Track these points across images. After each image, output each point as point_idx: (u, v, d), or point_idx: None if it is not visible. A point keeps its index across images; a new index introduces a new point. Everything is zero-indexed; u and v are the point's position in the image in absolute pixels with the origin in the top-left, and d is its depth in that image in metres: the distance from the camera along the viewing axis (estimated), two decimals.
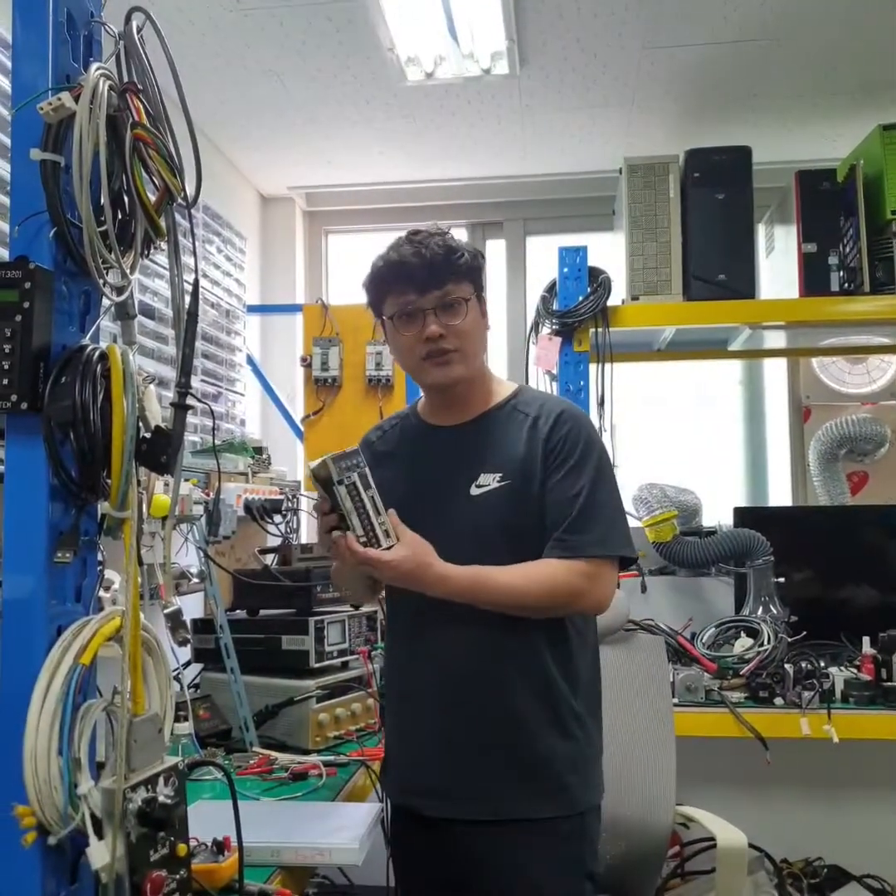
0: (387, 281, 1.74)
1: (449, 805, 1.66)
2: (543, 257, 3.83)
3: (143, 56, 1.10)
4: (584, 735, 1.69)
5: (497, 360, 4.02)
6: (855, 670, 2.66)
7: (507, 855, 1.62)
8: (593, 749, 1.73)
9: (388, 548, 1.58)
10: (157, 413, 1.17)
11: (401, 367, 1.88)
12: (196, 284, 1.13)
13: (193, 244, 1.21)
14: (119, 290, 1.10)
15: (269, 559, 2.79)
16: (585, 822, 1.68)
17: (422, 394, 1.90)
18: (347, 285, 4.19)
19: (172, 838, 1.04)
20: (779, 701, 2.57)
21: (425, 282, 1.70)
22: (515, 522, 1.68)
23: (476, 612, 1.63)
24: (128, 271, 1.10)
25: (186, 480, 2.27)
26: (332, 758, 2.09)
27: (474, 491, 1.71)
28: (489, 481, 1.71)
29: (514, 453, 1.72)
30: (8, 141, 1.11)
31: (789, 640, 2.75)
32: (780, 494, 3.79)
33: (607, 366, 2.86)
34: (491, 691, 1.65)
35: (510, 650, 1.65)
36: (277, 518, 2.87)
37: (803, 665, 2.65)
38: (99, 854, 0.98)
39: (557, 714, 1.66)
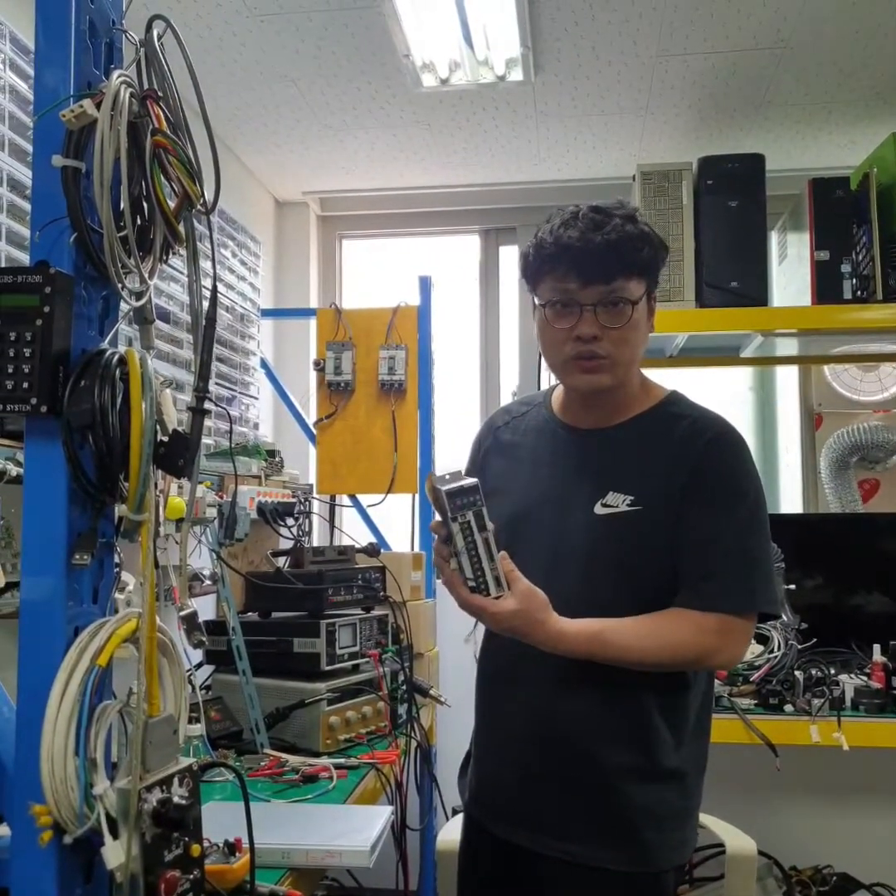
0: (548, 260, 1.52)
1: (517, 831, 1.58)
2: None
3: (164, 63, 1.11)
4: (679, 789, 1.54)
5: (509, 365, 4.03)
6: (865, 678, 2.66)
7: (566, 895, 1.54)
8: (688, 803, 1.57)
9: (498, 597, 1.43)
10: (174, 417, 1.18)
11: (544, 358, 1.64)
12: (214, 290, 1.14)
13: (212, 250, 1.22)
14: (138, 295, 1.11)
15: (282, 562, 2.81)
16: (661, 882, 1.52)
17: (555, 378, 1.68)
18: (361, 290, 4.21)
19: (186, 839, 1.05)
20: (789, 708, 2.56)
21: (591, 273, 1.48)
22: (637, 556, 1.50)
23: None
24: (147, 276, 1.11)
25: (200, 483, 2.29)
26: (342, 760, 2.10)
27: (599, 510, 1.53)
28: (618, 503, 1.51)
29: (653, 473, 1.52)
30: (30, 147, 1.13)
31: (799, 647, 2.74)
32: (791, 501, 3.79)
33: None
34: (578, 732, 1.52)
35: (611, 695, 1.51)
36: (290, 521, 2.88)
37: (813, 672, 2.64)
38: (114, 853, 0.98)
39: (651, 765, 1.51)
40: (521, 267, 1.63)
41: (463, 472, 1.48)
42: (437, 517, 1.48)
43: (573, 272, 1.49)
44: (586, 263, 1.48)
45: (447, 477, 1.45)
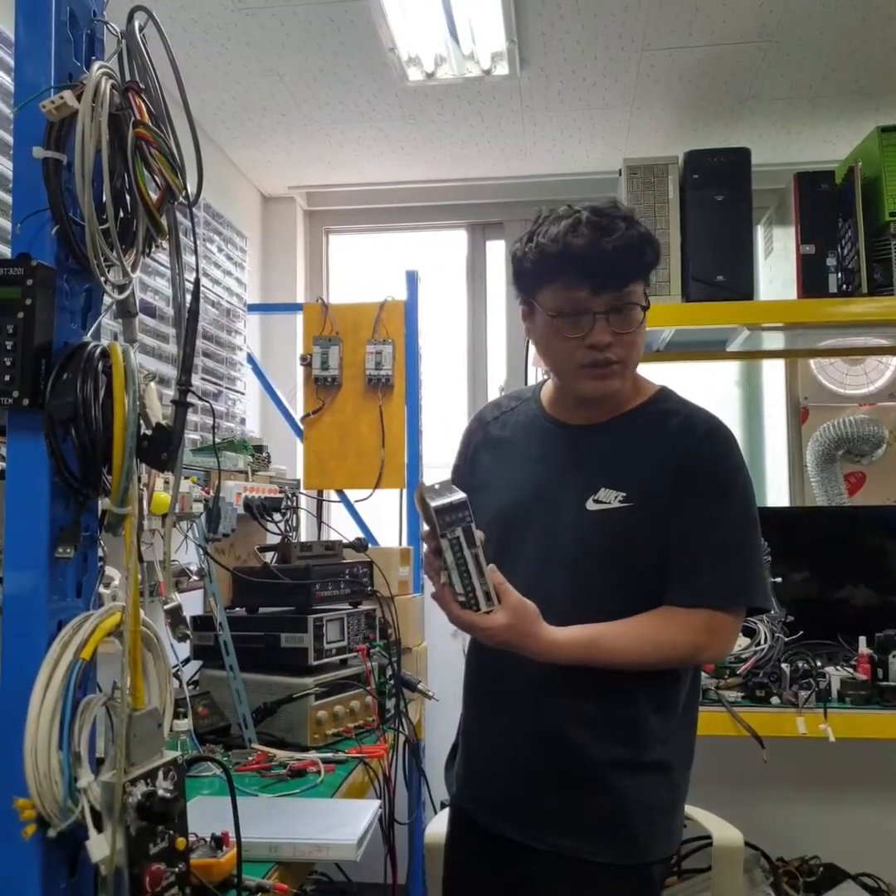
0: (553, 268, 1.48)
1: (506, 823, 1.58)
2: None
3: (146, 55, 1.10)
4: (666, 781, 1.54)
5: (496, 360, 4.03)
6: (851, 670, 2.67)
7: (555, 889, 1.53)
8: (675, 795, 1.57)
9: (488, 611, 1.42)
10: (158, 410, 1.18)
11: (547, 366, 1.62)
12: (197, 283, 1.14)
13: (195, 243, 1.22)
14: (120, 288, 1.11)
15: (269, 557, 2.80)
16: (650, 873, 1.53)
17: (545, 375, 1.67)
18: (348, 285, 4.20)
19: (171, 832, 1.05)
20: (775, 700, 2.57)
21: (604, 280, 1.46)
22: (629, 552, 1.50)
23: None
24: (129, 269, 1.10)
25: (186, 478, 2.28)
26: (330, 755, 2.10)
27: (591, 506, 1.52)
28: (610, 499, 1.51)
29: (644, 469, 1.52)
30: (10, 139, 1.12)
31: (786, 639, 2.75)
32: (777, 495, 3.80)
33: None
34: (566, 724, 1.52)
35: (600, 688, 1.51)
36: (277, 516, 2.88)
37: (800, 664, 2.65)
38: (98, 847, 0.98)
39: (639, 758, 1.51)
40: (515, 271, 1.58)
41: (451, 482, 1.47)
42: (427, 527, 1.46)
43: (584, 281, 1.47)
44: (598, 271, 1.46)
45: (436, 487, 1.44)
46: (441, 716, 2.69)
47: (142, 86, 1.09)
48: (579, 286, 1.47)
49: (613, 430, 1.59)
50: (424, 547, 1.49)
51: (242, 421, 3.54)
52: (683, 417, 1.57)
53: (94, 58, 1.13)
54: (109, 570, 1.50)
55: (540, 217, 1.55)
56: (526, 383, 2.98)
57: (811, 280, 2.78)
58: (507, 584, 1.44)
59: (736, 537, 1.51)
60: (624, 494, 1.51)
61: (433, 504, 1.41)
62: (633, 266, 1.48)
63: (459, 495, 1.42)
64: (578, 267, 1.46)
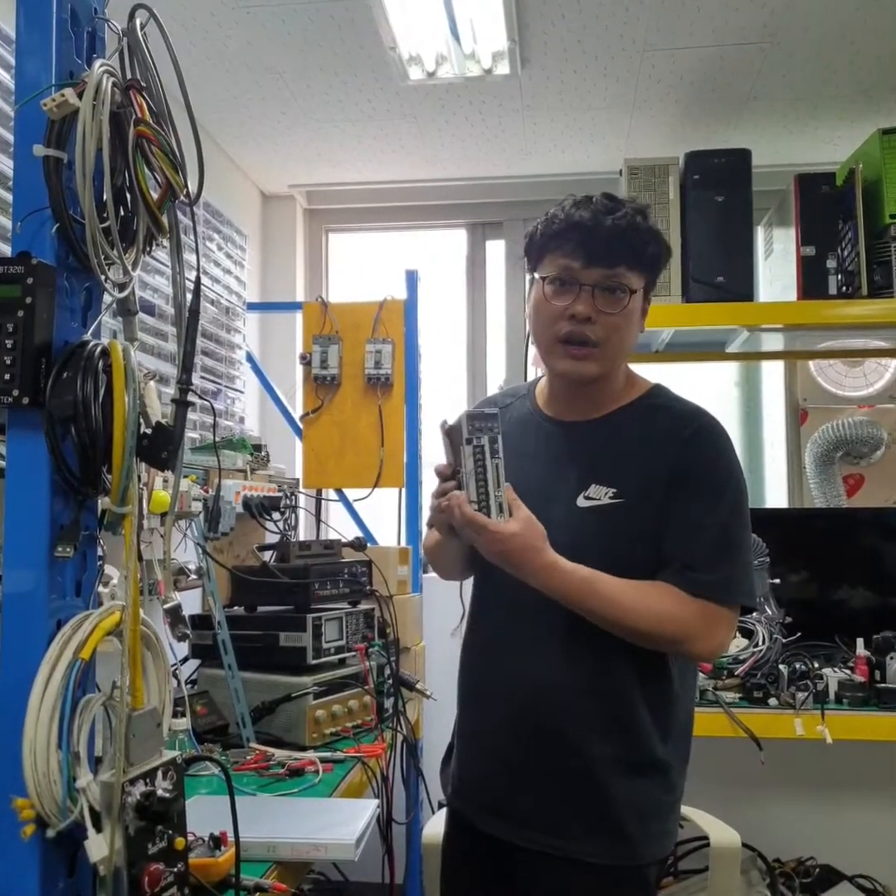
0: (555, 237, 1.53)
1: (500, 824, 1.58)
2: None
3: (147, 53, 1.10)
4: (663, 782, 1.54)
5: (496, 360, 4.03)
6: (849, 671, 2.67)
7: (551, 890, 1.53)
8: (671, 797, 1.57)
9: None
10: (158, 409, 1.18)
11: (533, 339, 1.65)
12: (198, 282, 1.14)
13: (196, 241, 1.22)
14: (121, 287, 1.11)
15: (268, 556, 2.80)
16: (644, 874, 1.53)
17: (541, 372, 1.70)
18: (347, 284, 4.20)
19: (170, 832, 1.05)
20: (773, 701, 2.58)
21: (596, 254, 1.50)
22: (619, 548, 1.51)
23: (569, 633, 1.51)
24: (130, 268, 1.10)
25: (186, 477, 2.27)
26: (328, 754, 2.10)
27: (582, 502, 1.54)
28: (600, 495, 1.52)
29: (635, 466, 1.53)
30: (11, 137, 1.12)
31: (784, 640, 2.76)
32: (776, 496, 3.80)
33: None
34: (563, 724, 1.52)
35: (597, 685, 1.51)
36: (276, 515, 2.88)
37: (797, 666, 2.65)
38: (97, 847, 0.98)
39: (636, 758, 1.51)
40: (526, 244, 1.63)
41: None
42: (445, 459, 1.52)
43: (579, 251, 1.51)
44: (593, 244, 1.50)
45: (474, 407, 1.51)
46: (439, 715, 2.69)
47: (143, 84, 1.08)
48: (573, 255, 1.52)
49: (605, 426, 1.61)
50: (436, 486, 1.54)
51: (241, 420, 3.53)
52: (675, 413, 1.58)
53: (95, 56, 1.12)
54: (108, 569, 1.50)
55: (564, 200, 1.60)
56: (524, 381, 2.98)
57: (811, 282, 2.78)
58: (520, 502, 1.46)
59: (728, 533, 1.51)
60: (614, 490, 1.53)
61: (467, 411, 1.47)
62: (630, 249, 1.51)
63: (493, 408, 1.50)
64: (576, 236, 1.51)
